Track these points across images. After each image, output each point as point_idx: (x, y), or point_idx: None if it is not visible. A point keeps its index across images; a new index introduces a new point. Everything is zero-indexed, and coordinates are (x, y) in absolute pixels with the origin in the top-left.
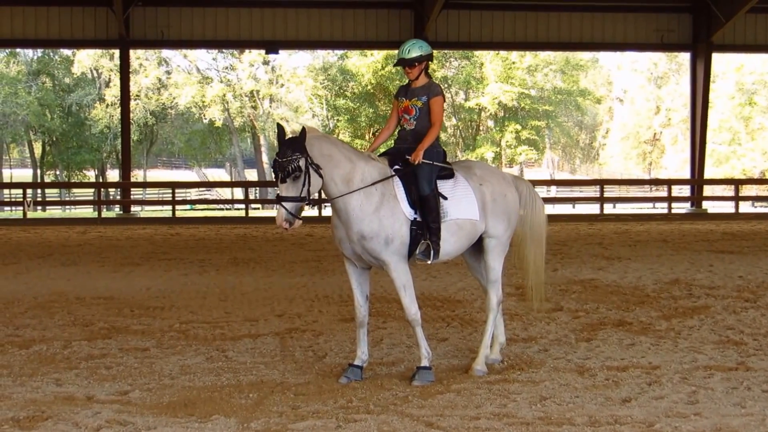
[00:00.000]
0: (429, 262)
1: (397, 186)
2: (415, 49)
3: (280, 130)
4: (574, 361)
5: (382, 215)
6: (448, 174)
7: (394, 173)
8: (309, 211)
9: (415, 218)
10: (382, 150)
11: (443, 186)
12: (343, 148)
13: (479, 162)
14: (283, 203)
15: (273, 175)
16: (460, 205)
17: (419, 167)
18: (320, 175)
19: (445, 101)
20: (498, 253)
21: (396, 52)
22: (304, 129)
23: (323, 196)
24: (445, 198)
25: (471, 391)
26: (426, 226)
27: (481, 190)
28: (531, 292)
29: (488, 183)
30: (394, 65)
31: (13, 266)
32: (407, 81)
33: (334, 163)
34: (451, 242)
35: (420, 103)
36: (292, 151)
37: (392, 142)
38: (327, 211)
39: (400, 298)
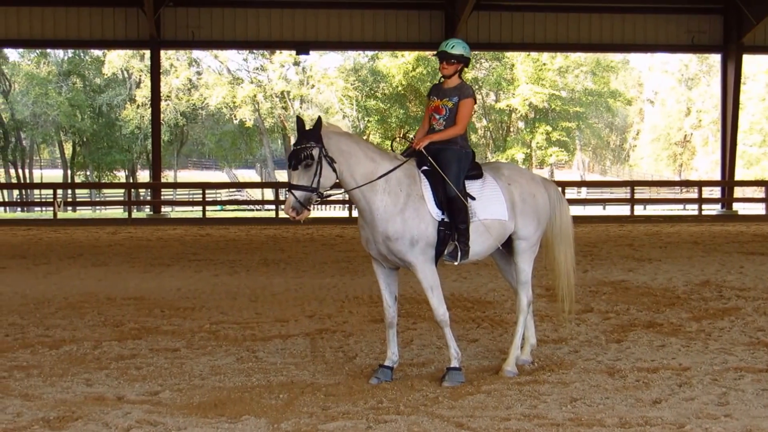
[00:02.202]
0: (456, 263)
1: (425, 186)
2: (459, 47)
3: (300, 121)
4: (605, 363)
5: (407, 216)
6: (477, 174)
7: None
8: (340, 212)
9: (442, 219)
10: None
11: (471, 186)
12: (365, 147)
13: (508, 163)
14: (293, 191)
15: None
16: (489, 206)
17: (446, 167)
18: (333, 169)
19: (475, 104)
20: (528, 255)
21: (427, 53)
22: (319, 118)
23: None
24: (473, 198)
25: (501, 392)
26: (454, 227)
27: (509, 189)
28: (562, 295)
29: (517, 183)
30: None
31: (44, 266)
32: (439, 80)
33: (355, 159)
34: (479, 243)
35: (450, 103)
36: (307, 140)
37: None
38: (357, 212)
39: (428, 299)
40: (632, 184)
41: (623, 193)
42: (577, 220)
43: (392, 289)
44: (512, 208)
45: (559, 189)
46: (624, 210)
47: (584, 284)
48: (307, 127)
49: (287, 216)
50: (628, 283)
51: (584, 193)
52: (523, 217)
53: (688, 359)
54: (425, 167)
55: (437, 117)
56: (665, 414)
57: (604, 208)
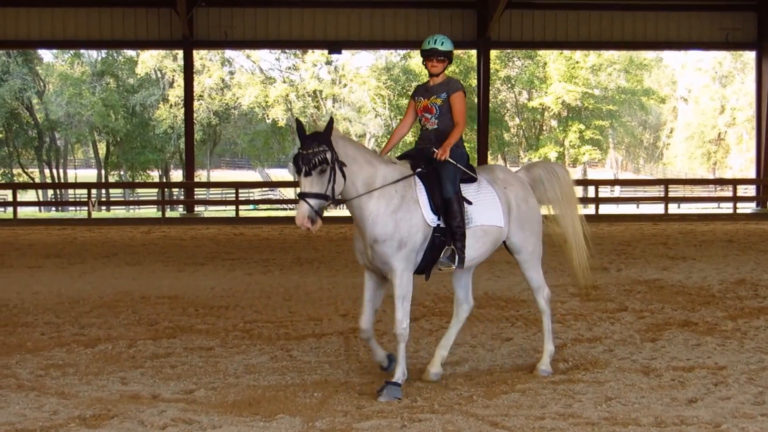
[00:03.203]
0: (454, 267)
1: (420, 190)
2: (447, 44)
3: (299, 124)
4: (640, 362)
5: (398, 218)
6: (471, 178)
7: (414, 173)
8: None
9: (438, 225)
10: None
11: (467, 190)
12: (364, 151)
13: (500, 166)
14: (307, 199)
15: (295, 171)
16: (485, 211)
17: (443, 168)
18: (344, 174)
19: (466, 96)
20: (533, 264)
21: (459, 51)
22: (331, 119)
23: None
24: (470, 203)
25: (536, 391)
26: (450, 232)
27: (506, 193)
28: (575, 268)
29: (512, 187)
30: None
31: (79, 266)
32: (426, 81)
33: (358, 165)
34: (476, 248)
35: (440, 100)
36: (319, 144)
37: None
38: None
39: (395, 308)
40: (666, 183)
41: (657, 191)
42: (611, 218)
43: (375, 303)
44: (508, 212)
45: (550, 165)
46: (658, 208)
47: (618, 283)
48: (309, 132)
49: (299, 227)
50: (662, 282)
51: (618, 191)
52: (517, 223)
53: (724, 358)
54: (420, 170)
55: (429, 117)
56: (701, 413)
57: (638, 207)
